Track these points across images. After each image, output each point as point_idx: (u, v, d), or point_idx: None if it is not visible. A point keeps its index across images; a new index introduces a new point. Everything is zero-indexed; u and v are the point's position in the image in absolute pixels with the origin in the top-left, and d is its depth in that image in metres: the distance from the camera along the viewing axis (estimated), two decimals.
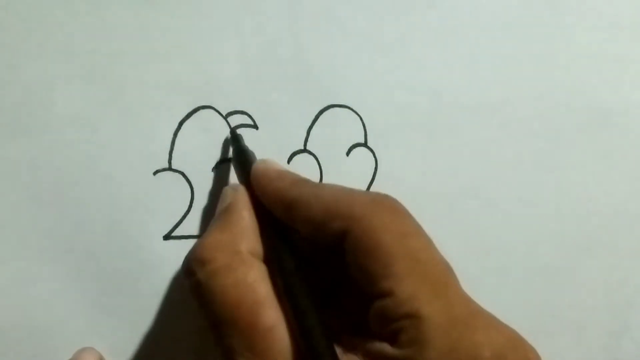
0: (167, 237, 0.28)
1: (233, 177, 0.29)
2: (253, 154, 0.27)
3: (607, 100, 0.31)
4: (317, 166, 0.29)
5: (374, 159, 0.30)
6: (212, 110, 0.28)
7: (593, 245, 0.32)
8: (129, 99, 0.27)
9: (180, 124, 0.28)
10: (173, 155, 0.28)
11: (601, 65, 0.31)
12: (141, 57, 0.27)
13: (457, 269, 0.22)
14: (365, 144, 0.30)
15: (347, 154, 0.29)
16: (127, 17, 0.27)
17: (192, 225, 0.28)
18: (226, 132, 0.28)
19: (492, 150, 0.30)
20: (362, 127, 0.29)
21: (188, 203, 0.28)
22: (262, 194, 0.23)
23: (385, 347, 0.19)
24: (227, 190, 0.25)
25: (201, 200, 0.28)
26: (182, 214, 0.28)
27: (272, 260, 0.22)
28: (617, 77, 0.31)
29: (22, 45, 0.26)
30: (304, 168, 0.29)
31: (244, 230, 0.23)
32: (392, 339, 0.19)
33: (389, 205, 0.21)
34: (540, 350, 0.20)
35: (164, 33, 0.27)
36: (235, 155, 0.27)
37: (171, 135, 0.28)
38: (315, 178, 0.29)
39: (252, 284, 0.21)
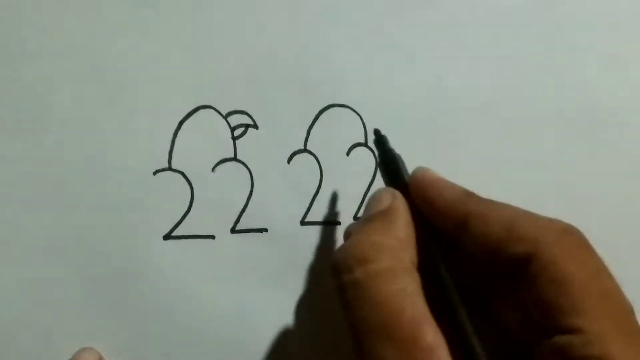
0: (167, 237, 0.28)
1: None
2: (400, 157, 0.25)
3: (606, 100, 0.31)
4: (317, 166, 0.29)
5: (374, 158, 0.30)
6: (212, 110, 0.28)
7: (593, 243, 0.32)
8: (128, 98, 0.27)
9: (180, 123, 0.28)
10: (173, 155, 0.28)
11: (600, 64, 0.31)
12: (141, 57, 0.27)
13: None
14: (365, 144, 0.30)
15: (348, 153, 0.29)
16: (127, 16, 0.27)
17: (192, 225, 0.28)
18: (226, 132, 0.28)
19: (492, 149, 0.30)
20: (362, 126, 0.29)
21: (188, 203, 0.28)
22: (427, 204, 0.22)
23: None
24: (383, 193, 0.23)
25: (201, 200, 0.28)
26: (182, 213, 0.28)
27: (430, 274, 0.21)
28: (616, 76, 0.31)
29: (21, 45, 0.26)
30: (304, 168, 0.29)
31: (408, 238, 0.21)
32: None
33: (580, 238, 0.20)
34: None
35: (163, 33, 0.27)
36: (384, 159, 0.25)
37: (171, 135, 0.28)
38: (315, 178, 0.29)
39: (413, 295, 0.19)
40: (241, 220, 0.29)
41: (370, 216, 0.22)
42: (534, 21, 0.30)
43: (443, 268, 0.20)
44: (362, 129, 0.29)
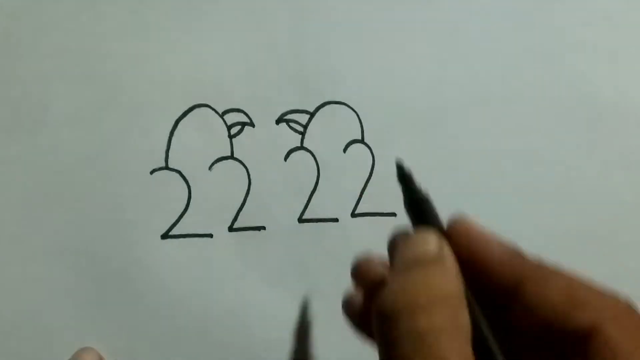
0: (164, 236, 0.28)
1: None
2: (427, 195, 0.21)
3: (602, 95, 0.31)
4: (314, 163, 0.29)
5: (370, 155, 0.30)
6: (208, 109, 0.28)
7: (592, 238, 0.32)
8: (124, 98, 0.27)
9: (177, 122, 0.28)
10: (170, 154, 0.28)
11: (596, 60, 0.31)
12: (137, 56, 0.27)
13: None
14: (362, 141, 0.30)
15: (344, 150, 0.29)
16: (123, 16, 0.27)
17: (189, 224, 0.28)
18: (222, 130, 0.28)
19: (488, 145, 0.30)
20: (358, 123, 0.29)
21: (185, 202, 0.28)
22: (474, 261, 0.20)
23: None
24: (429, 234, 0.20)
25: (198, 199, 0.28)
26: (180, 212, 0.28)
27: (474, 336, 0.18)
28: (615, 69, 0.31)
29: (19, 45, 0.26)
30: (301, 165, 0.29)
31: (461, 292, 0.19)
32: None
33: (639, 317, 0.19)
34: None
35: (160, 32, 0.27)
36: (413, 200, 0.21)
37: (167, 134, 0.28)
38: (312, 175, 0.29)
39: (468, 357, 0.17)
40: (239, 218, 0.29)
41: (418, 258, 0.19)
42: (529, 17, 0.30)
43: (490, 337, 0.19)
44: (359, 126, 0.29)
